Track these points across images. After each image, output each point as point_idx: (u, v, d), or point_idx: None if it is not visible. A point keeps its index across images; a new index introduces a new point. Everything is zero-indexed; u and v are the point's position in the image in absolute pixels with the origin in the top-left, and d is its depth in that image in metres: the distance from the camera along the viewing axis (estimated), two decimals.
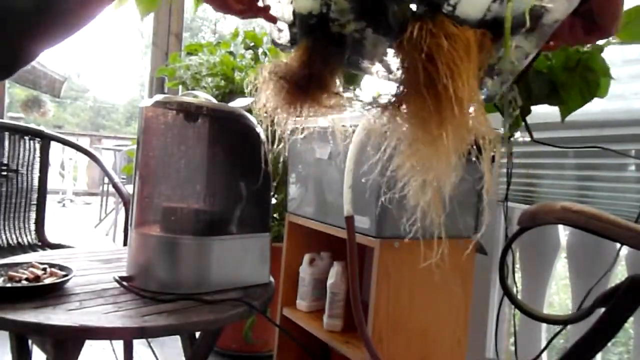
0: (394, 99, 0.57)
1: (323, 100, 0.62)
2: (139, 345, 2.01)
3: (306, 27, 0.61)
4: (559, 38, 0.62)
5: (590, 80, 0.98)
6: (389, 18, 0.55)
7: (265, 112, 0.64)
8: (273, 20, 0.66)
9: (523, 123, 1.14)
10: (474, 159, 1.19)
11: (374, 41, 0.59)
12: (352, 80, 0.80)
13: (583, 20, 0.60)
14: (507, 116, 1.05)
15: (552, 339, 1.11)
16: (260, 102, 0.63)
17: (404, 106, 0.56)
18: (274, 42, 0.68)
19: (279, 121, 0.65)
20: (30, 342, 1.10)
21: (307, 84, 0.61)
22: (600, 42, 0.99)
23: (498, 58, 0.58)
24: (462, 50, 0.51)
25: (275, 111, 0.64)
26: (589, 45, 0.99)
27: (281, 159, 1.73)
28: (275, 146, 0.70)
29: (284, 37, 0.66)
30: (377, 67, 0.62)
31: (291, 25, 0.64)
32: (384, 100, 0.59)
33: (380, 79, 0.64)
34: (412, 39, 0.51)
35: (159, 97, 1.08)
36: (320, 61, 0.61)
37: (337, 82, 0.63)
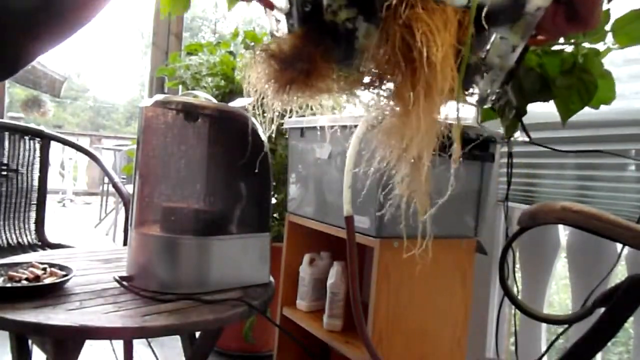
0: (375, 74, 0.58)
1: (312, 82, 0.62)
2: (139, 345, 2.01)
3: (301, 15, 0.62)
4: (543, 29, 0.62)
5: (587, 82, 0.98)
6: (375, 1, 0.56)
7: (255, 92, 0.63)
8: (270, 5, 0.66)
9: (520, 124, 1.14)
10: (474, 156, 1.20)
11: (365, 32, 0.59)
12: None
13: (565, 8, 0.61)
14: (505, 118, 1.05)
15: (554, 340, 1.11)
16: (251, 81, 0.63)
17: (385, 84, 0.58)
18: (272, 35, 0.68)
19: (268, 103, 0.64)
20: (30, 342, 1.10)
21: (296, 64, 0.60)
22: (600, 49, 0.99)
23: (486, 52, 0.58)
24: (440, 22, 0.53)
25: (264, 91, 0.63)
26: (585, 45, 0.99)
27: (277, 153, 1.73)
28: (265, 129, 0.68)
29: (282, 28, 0.66)
30: (369, 65, 0.62)
31: (288, 15, 0.64)
32: (367, 79, 0.60)
33: (372, 81, 0.64)
34: (391, 10, 0.53)
35: (159, 97, 1.08)
36: (312, 45, 0.61)
37: (328, 66, 0.62)
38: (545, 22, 0.60)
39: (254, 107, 0.65)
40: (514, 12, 0.56)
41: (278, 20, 0.67)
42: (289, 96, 0.62)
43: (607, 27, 0.96)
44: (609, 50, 0.99)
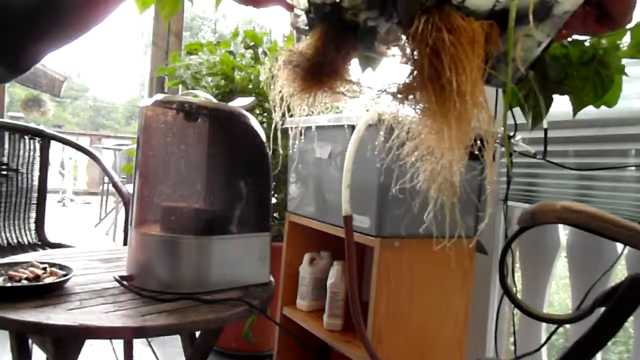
0: (402, 87, 0.58)
1: (335, 87, 0.64)
2: (139, 344, 2.01)
3: (321, 14, 0.63)
4: (570, 27, 0.62)
5: (604, 75, 0.96)
6: (399, 12, 0.56)
7: (281, 99, 0.67)
8: (290, 8, 0.68)
9: (536, 122, 1.12)
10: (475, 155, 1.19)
11: (387, 29, 0.59)
12: (369, 63, 0.80)
13: (596, 9, 0.60)
14: (528, 109, 1.04)
15: (549, 337, 1.11)
16: (276, 90, 0.66)
17: (411, 96, 0.57)
18: (292, 26, 0.70)
19: (294, 107, 0.67)
20: (30, 341, 1.10)
21: (320, 71, 0.63)
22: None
23: (513, 44, 0.58)
24: (466, 43, 0.52)
25: (291, 97, 0.66)
26: (604, 41, 0.98)
27: (277, 153, 1.73)
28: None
29: (301, 21, 0.68)
30: (393, 50, 0.64)
31: (307, 12, 0.65)
32: (393, 89, 0.59)
33: (397, 62, 0.64)
34: (418, 33, 0.53)
35: (159, 96, 1.08)
36: (334, 48, 0.62)
37: (350, 69, 0.64)
38: (574, 22, 0.59)
39: (281, 103, 0.67)
40: (541, 13, 0.56)
41: (297, 15, 0.67)
42: (314, 100, 0.65)
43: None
44: (622, 52, 0.98)
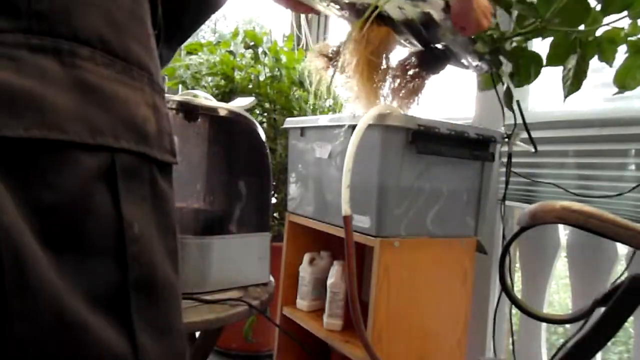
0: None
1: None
2: None
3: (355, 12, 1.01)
4: (457, 29, 0.91)
5: (581, 65, 1.10)
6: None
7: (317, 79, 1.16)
8: (317, 12, 1.03)
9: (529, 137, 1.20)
10: (475, 156, 1.26)
11: None
12: None
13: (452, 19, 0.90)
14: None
15: (563, 345, 1.10)
16: (312, 70, 1.17)
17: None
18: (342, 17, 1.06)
19: (322, 81, 1.17)
20: None
21: (335, 58, 1.12)
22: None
23: (446, 41, 1.00)
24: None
25: (321, 77, 1.17)
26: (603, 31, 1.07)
27: (277, 153, 1.73)
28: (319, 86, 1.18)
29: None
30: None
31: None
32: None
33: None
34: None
35: None
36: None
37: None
38: (455, 25, 0.89)
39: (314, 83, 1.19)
40: (426, 23, 0.93)
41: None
42: (333, 77, 1.12)
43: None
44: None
